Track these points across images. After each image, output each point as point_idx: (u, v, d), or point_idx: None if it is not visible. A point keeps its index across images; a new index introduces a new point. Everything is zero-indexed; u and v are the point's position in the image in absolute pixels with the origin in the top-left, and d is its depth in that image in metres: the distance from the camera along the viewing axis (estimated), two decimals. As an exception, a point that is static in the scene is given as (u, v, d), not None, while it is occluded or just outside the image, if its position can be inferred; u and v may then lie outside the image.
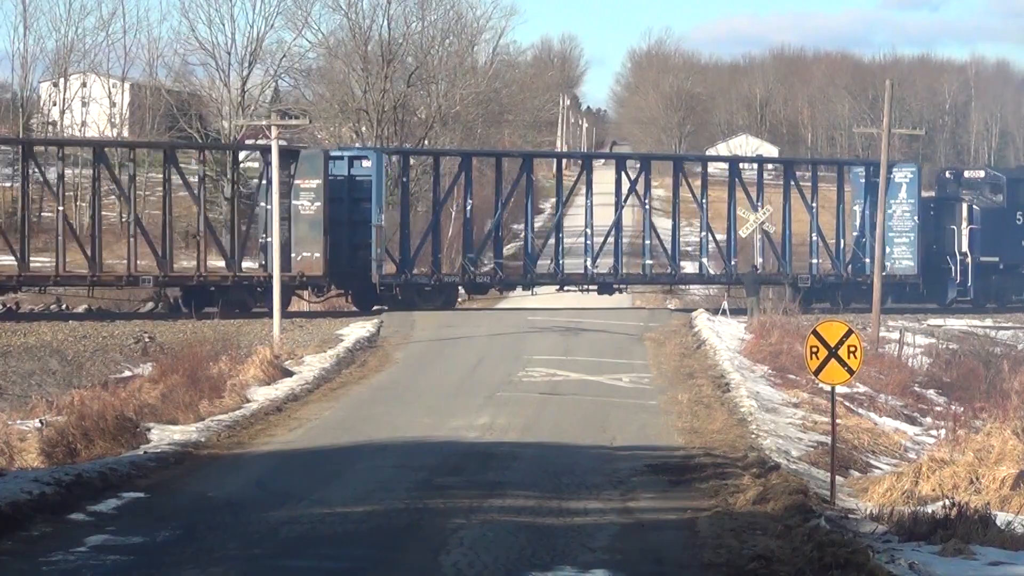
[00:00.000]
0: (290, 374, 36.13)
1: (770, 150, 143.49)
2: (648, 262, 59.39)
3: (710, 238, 60.43)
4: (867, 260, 60.81)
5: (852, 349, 21.78)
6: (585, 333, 46.81)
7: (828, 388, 24.12)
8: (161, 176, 55.90)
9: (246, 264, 55.03)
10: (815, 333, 21.99)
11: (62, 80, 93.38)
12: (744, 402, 31.22)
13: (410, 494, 20.61)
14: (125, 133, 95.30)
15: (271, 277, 49.17)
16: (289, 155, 53.39)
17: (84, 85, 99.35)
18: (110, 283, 52.68)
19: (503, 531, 18.01)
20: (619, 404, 31.88)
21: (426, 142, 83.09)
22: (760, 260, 59.18)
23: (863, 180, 62.48)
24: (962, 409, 34.11)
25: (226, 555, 16.65)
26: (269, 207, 51.53)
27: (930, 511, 19.87)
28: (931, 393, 39.72)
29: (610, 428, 28.34)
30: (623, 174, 59.46)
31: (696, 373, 37.12)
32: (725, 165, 64.79)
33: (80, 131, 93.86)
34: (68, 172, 55.68)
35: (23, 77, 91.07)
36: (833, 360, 21.81)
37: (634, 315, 54.92)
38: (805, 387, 34.20)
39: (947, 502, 20.33)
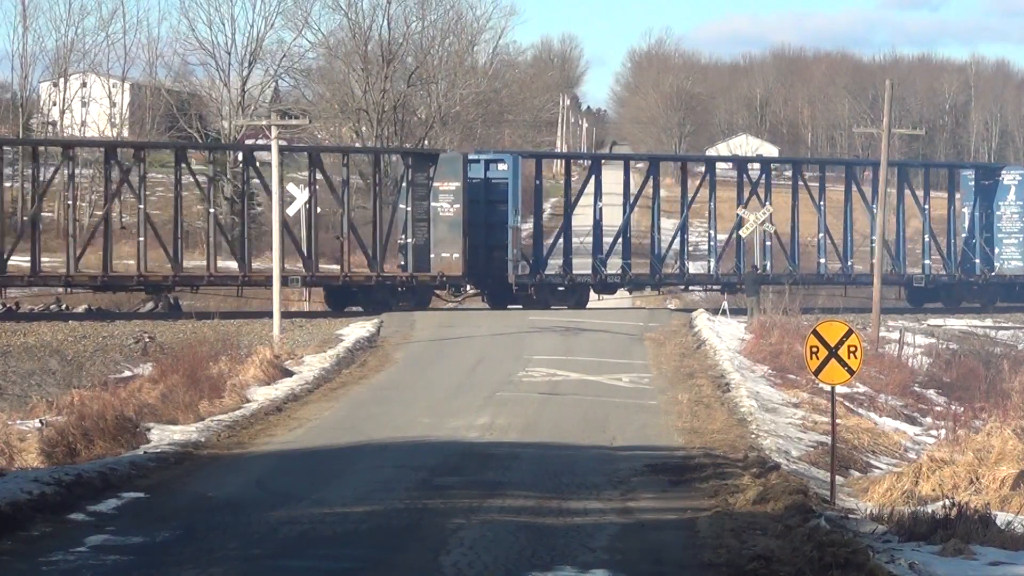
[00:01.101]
0: (290, 374, 36.12)
1: (770, 150, 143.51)
2: (766, 263, 60.66)
3: (828, 240, 61.80)
4: (976, 260, 63.13)
5: (852, 349, 21.78)
6: (585, 333, 46.80)
7: (828, 388, 24.12)
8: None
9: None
10: (815, 333, 21.98)
11: (62, 80, 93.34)
12: (744, 402, 31.21)
13: (410, 494, 20.61)
14: (125, 133, 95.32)
15: (413, 277, 53.26)
16: (428, 158, 55.78)
17: (84, 85, 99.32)
18: (260, 283, 53.80)
19: (503, 531, 18.01)
20: (619, 404, 31.87)
21: (426, 142, 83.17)
22: (760, 260, 59.23)
23: (972, 183, 64.40)
24: (962, 409, 34.11)
25: (226, 555, 16.65)
26: (409, 208, 54.09)
27: (930, 511, 19.86)
28: (931, 393, 39.72)
29: (610, 428, 28.34)
30: (744, 177, 61.03)
31: (696, 373, 37.10)
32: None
33: (80, 131, 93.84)
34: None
35: (23, 77, 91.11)
36: (833, 360, 21.80)
37: (634, 315, 54.94)
38: (805, 387, 34.19)
39: (947, 502, 20.32)
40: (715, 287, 60.28)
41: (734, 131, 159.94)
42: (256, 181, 56.72)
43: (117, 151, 56.58)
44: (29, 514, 18.37)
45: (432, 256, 54.21)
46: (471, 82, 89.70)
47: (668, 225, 61.30)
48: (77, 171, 58.59)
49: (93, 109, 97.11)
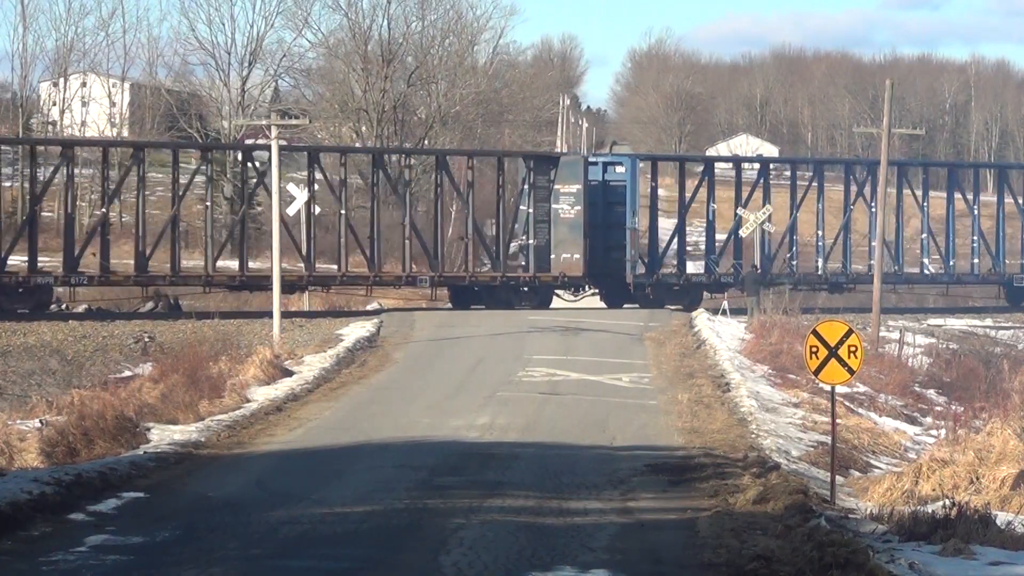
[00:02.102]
0: (290, 374, 36.12)
1: (770, 150, 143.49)
2: (872, 263, 61.33)
3: (931, 240, 63.50)
4: None
5: (852, 349, 21.76)
6: (585, 333, 46.79)
7: (828, 388, 24.12)
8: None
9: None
10: (815, 333, 21.97)
11: (62, 80, 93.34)
12: (744, 402, 31.21)
13: (410, 494, 20.61)
14: (125, 133, 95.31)
15: (536, 278, 55.12)
16: (549, 161, 57.70)
17: (84, 85, 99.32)
18: (390, 283, 55.78)
19: (503, 531, 18.01)
20: (619, 404, 31.87)
21: (426, 142, 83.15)
22: (759, 260, 59.33)
23: None
24: (962, 409, 34.09)
25: (226, 555, 16.65)
26: (530, 210, 55.92)
27: (930, 511, 19.86)
28: (931, 393, 39.71)
29: (610, 428, 28.34)
30: (851, 179, 62.76)
31: (696, 373, 37.11)
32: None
33: (80, 131, 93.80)
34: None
35: (23, 77, 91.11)
36: (833, 360, 21.79)
37: (634, 315, 54.92)
38: (805, 387, 34.19)
39: (947, 502, 20.32)
40: (823, 286, 61.77)
41: (734, 131, 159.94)
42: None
43: (252, 154, 57.80)
44: (29, 514, 18.36)
45: (552, 257, 56.04)
46: (471, 82, 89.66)
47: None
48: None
49: (93, 109, 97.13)
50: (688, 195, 60.72)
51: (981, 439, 25.05)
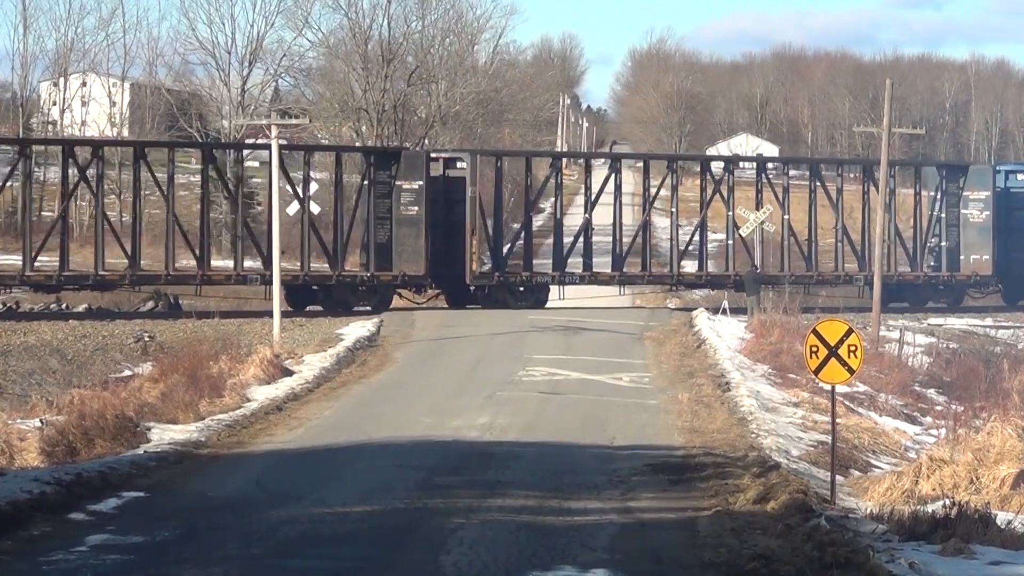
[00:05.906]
0: (290, 373, 36.10)
1: (770, 150, 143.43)
2: None
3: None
4: None
5: (852, 348, 21.76)
6: (585, 332, 46.77)
7: (828, 387, 24.12)
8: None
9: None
10: (815, 332, 21.96)
11: (62, 80, 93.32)
12: (744, 401, 31.21)
13: (410, 494, 20.61)
14: (126, 133, 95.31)
15: (952, 276, 60.61)
16: (959, 170, 63.38)
17: (84, 84, 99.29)
18: (828, 282, 60.40)
19: (503, 531, 18.01)
20: (619, 403, 31.88)
21: (426, 142, 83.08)
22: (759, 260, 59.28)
23: None
24: (962, 408, 34.09)
25: (226, 555, 16.64)
26: (941, 215, 60.71)
27: (930, 510, 19.86)
28: (931, 392, 39.71)
29: (610, 427, 28.34)
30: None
31: (696, 372, 37.11)
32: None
33: (80, 131, 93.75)
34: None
35: (23, 77, 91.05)
36: (833, 359, 21.78)
37: (634, 315, 54.91)
38: (805, 386, 34.18)
39: (947, 501, 20.33)
40: None
41: (734, 131, 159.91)
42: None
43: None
44: (29, 513, 18.37)
45: (962, 258, 61.15)
46: (471, 81, 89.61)
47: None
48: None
49: (93, 108, 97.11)
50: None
51: (981, 439, 25.07)
